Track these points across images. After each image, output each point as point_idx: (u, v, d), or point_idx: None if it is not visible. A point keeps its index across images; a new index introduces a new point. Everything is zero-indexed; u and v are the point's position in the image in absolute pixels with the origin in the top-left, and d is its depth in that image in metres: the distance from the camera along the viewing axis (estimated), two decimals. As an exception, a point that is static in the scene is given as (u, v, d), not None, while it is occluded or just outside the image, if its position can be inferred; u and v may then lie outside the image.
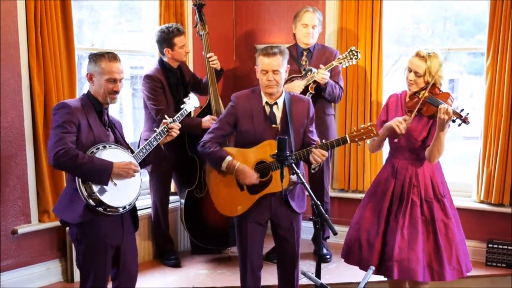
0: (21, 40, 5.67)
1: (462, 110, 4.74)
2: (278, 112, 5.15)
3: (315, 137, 5.25)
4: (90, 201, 4.44)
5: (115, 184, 4.55)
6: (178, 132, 4.94)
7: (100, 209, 4.48)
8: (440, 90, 4.98)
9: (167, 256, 6.74)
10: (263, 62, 5.00)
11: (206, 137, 5.24)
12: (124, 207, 4.62)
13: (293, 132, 5.09)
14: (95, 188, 4.45)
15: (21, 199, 5.82)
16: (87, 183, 4.45)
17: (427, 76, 4.93)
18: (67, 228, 5.98)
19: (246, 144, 5.17)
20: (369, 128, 4.87)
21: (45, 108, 5.83)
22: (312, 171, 5.08)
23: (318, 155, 4.90)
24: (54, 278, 6.14)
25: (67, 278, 6.18)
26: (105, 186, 4.48)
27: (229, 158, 5.10)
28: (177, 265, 6.65)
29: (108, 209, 4.51)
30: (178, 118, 5.05)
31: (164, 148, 5.02)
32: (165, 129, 4.85)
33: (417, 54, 4.99)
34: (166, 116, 5.00)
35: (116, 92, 4.63)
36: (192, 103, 5.36)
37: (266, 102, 5.14)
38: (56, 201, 5.74)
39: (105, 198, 4.47)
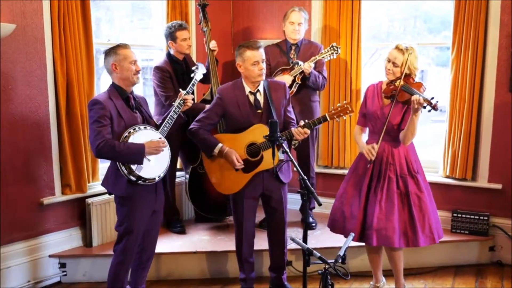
0: (46, 36, 5.67)
1: (432, 98, 4.75)
2: (261, 98, 5.18)
3: (292, 115, 5.30)
4: (131, 177, 4.61)
5: (148, 160, 4.67)
6: (192, 101, 5.04)
7: (140, 182, 4.65)
8: (414, 80, 4.98)
9: (173, 224, 6.76)
10: (254, 55, 5.02)
11: (195, 124, 5.26)
12: (159, 176, 4.78)
13: (275, 113, 5.11)
14: (133, 167, 4.60)
15: (46, 174, 5.84)
16: (126, 164, 4.59)
17: (404, 67, 4.93)
18: (87, 200, 6.09)
19: (236, 129, 5.20)
20: (345, 106, 4.97)
21: (67, 95, 5.84)
22: (293, 146, 5.12)
23: (301, 132, 4.96)
24: (75, 243, 6.16)
25: (86, 243, 6.20)
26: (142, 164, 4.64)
27: (220, 144, 5.17)
28: (182, 232, 6.66)
29: (147, 181, 4.68)
30: (191, 89, 5.14)
31: (183, 115, 5.17)
32: (182, 101, 4.96)
33: (397, 47, 4.99)
34: (180, 89, 5.06)
35: (139, 71, 4.75)
36: (200, 70, 5.44)
37: (250, 91, 5.17)
38: (76, 177, 5.97)
39: (143, 173, 4.65)
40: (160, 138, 4.75)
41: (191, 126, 5.28)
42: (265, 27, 7.73)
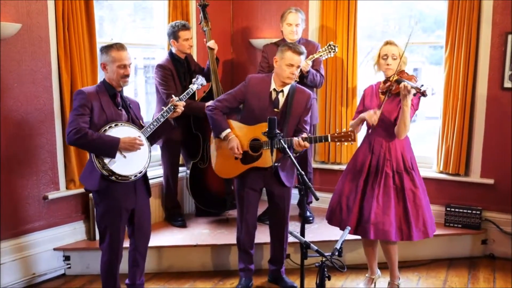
0: (51, 35, 5.68)
1: (422, 85, 4.76)
2: (282, 99, 5.19)
3: (306, 125, 5.29)
4: (104, 171, 4.48)
5: (124, 157, 4.56)
6: (183, 109, 4.91)
7: (113, 177, 4.51)
8: (407, 74, 4.99)
9: (175, 218, 6.76)
10: (292, 58, 5.04)
11: (214, 103, 5.33)
12: (136, 175, 4.62)
13: (289, 117, 5.14)
14: (106, 160, 4.48)
15: (51, 170, 5.84)
16: (99, 157, 4.48)
17: (400, 60, 4.97)
18: (90, 194, 6.05)
19: (249, 120, 5.23)
20: (349, 133, 4.90)
21: (71, 93, 5.79)
22: (294, 154, 5.10)
23: (301, 144, 4.94)
24: (79, 236, 6.18)
25: (90, 236, 6.22)
26: (115, 159, 4.51)
27: (228, 130, 5.22)
28: (183, 225, 6.67)
29: (120, 178, 4.53)
30: (184, 97, 5.06)
31: (174, 123, 5.00)
32: (172, 107, 4.83)
33: (388, 43, 5.06)
34: (173, 96, 4.99)
35: (127, 76, 4.63)
36: (199, 82, 5.39)
37: (274, 89, 5.19)
38: (80, 172, 5.93)
39: (115, 169, 4.50)
40: (139, 136, 4.64)
41: (210, 103, 5.38)
42: (264, 27, 7.72)
